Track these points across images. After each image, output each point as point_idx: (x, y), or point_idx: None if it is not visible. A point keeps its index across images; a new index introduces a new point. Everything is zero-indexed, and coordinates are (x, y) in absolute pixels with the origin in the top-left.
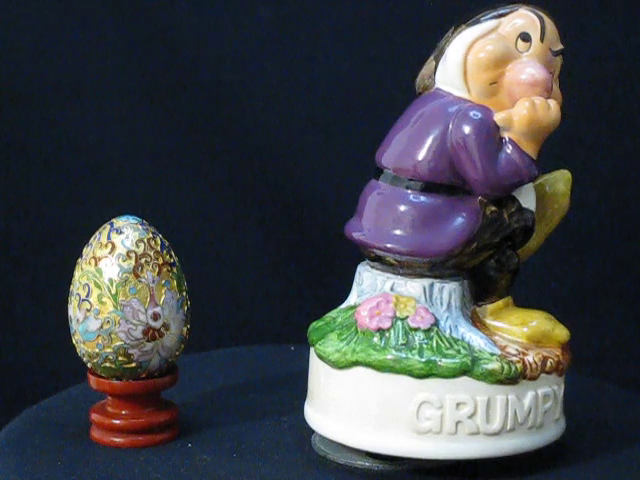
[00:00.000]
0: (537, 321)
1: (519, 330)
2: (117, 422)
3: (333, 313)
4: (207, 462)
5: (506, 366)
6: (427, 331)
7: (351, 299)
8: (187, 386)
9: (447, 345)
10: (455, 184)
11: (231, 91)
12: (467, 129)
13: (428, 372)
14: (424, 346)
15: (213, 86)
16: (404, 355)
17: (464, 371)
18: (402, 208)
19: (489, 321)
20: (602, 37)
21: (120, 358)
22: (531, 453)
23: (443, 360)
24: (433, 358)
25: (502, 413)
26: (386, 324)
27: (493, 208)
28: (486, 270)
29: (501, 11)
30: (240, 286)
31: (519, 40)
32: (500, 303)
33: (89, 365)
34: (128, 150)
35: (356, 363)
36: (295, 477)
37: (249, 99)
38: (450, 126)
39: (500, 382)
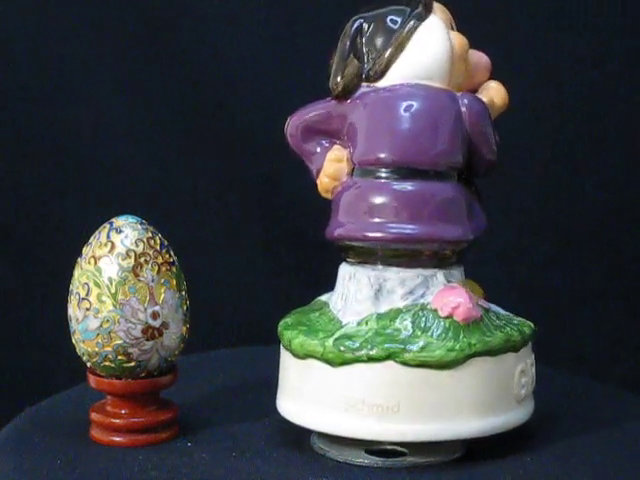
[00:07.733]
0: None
1: None
2: (117, 421)
3: (359, 326)
4: (206, 461)
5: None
6: (491, 310)
7: (378, 304)
8: (187, 386)
9: (507, 317)
10: (462, 168)
11: (232, 91)
12: (482, 113)
13: (523, 343)
14: (503, 321)
15: (213, 87)
16: (509, 332)
17: (532, 335)
18: (446, 198)
19: None
20: (602, 36)
21: (119, 357)
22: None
23: (524, 329)
24: (520, 330)
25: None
26: (481, 311)
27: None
28: None
29: (426, 5)
30: (240, 286)
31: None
32: None
33: (89, 364)
34: (128, 150)
35: (473, 355)
36: (294, 475)
37: (249, 99)
38: (463, 112)
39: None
